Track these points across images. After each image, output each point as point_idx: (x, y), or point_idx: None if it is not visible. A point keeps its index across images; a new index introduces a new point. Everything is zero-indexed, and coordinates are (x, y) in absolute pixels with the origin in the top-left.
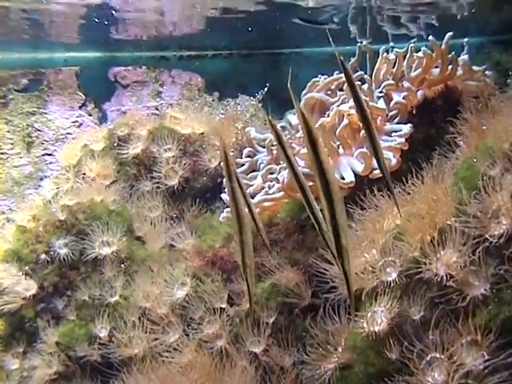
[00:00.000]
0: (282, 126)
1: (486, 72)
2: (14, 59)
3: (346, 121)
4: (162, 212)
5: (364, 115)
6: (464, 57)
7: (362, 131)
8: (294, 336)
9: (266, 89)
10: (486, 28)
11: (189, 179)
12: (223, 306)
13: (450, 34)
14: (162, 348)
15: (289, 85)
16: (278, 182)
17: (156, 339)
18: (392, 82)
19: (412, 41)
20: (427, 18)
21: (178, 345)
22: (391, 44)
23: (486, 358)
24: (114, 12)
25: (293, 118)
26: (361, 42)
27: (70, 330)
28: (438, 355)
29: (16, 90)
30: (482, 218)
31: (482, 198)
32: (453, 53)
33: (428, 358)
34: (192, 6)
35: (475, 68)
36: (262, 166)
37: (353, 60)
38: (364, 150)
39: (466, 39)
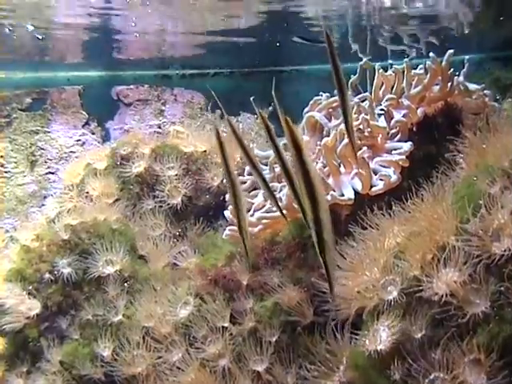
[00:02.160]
0: (283, 144)
1: (485, 91)
2: (18, 78)
3: (346, 140)
4: (164, 230)
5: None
6: (459, 78)
7: (362, 149)
8: (296, 354)
9: (270, 108)
10: (486, 44)
11: (191, 197)
12: (226, 324)
13: (451, 51)
14: (165, 367)
15: (273, 92)
16: (280, 200)
17: (159, 358)
18: (393, 96)
19: (408, 57)
20: (427, 35)
21: (181, 363)
22: (390, 61)
23: (489, 377)
24: (116, 33)
25: None
26: (361, 59)
27: (73, 349)
28: (440, 374)
29: (20, 109)
30: (482, 236)
31: (483, 216)
32: (452, 70)
33: (431, 377)
34: (193, 26)
35: (474, 86)
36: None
37: (353, 78)
38: (360, 170)
39: (466, 57)
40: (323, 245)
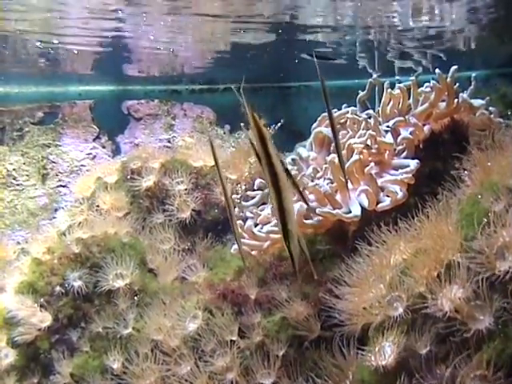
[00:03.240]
0: (292, 159)
1: (490, 108)
2: (30, 93)
3: (356, 156)
4: (173, 244)
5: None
6: (464, 95)
7: (370, 166)
8: (303, 368)
9: (279, 124)
10: (493, 61)
11: (201, 212)
12: (234, 338)
13: (455, 67)
14: (173, 379)
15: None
16: None
17: (168, 370)
18: (402, 118)
19: (416, 74)
20: (434, 52)
21: (189, 376)
22: (397, 77)
23: None
24: (127, 48)
25: (303, 150)
26: (371, 75)
27: (84, 361)
28: None
29: (32, 123)
30: (487, 253)
31: (488, 234)
32: (457, 85)
33: None
34: (203, 41)
35: (479, 102)
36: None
37: (362, 94)
38: (365, 187)
39: (473, 74)
40: (288, 234)
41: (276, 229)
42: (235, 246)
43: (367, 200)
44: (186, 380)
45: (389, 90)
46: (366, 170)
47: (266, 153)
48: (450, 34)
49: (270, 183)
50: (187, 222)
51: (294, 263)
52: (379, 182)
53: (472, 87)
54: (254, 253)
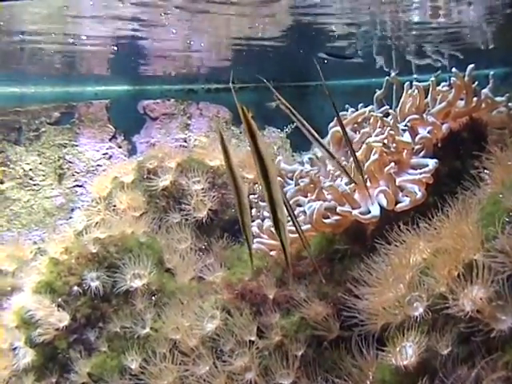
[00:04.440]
0: (309, 158)
1: (510, 104)
2: (47, 93)
3: (375, 156)
4: (190, 244)
5: None
6: (485, 90)
7: (390, 165)
8: (322, 369)
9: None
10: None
11: (217, 211)
12: (252, 338)
13: (472, 65)
14: (192, 379)
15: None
16: (305, 214)
17: (186, 371)
18: (417, 116)
19: (436, 73)
20: (451, 50)
21: (207, 376)
22: (415, 76)
23: None
24: (143, 47)
25: (319, 150)
26: (389, 74)
27: (102, 361)
28: None
29: (48, 123)
30: (508, 253)
31: (509, 233)
32: (476, 83)
33: None
34: (219, 40)
35: (499, 99)
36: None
37: (379, 92)
38: (383, 187)
39: (491, 71)
40: (279, 225)
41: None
42: (253, 246)
43: (386, 200)
44: (205, 380)
45: (409, 91)
46: (385, 169)
47: (255, 147)
48: (468, 32)
49: (260, 175)
50: (204, 221)
51: (286, 253)
52: (398, 181)
53: (490, 85)
54: (272, 253)
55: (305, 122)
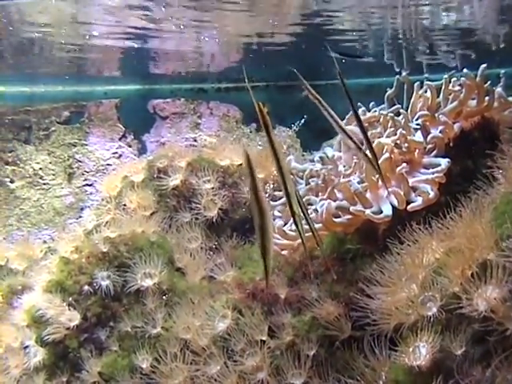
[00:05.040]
0: (320, 157)
1: None
2: (57, 92)
3: (386, 154)
4: (201, 243)
5: None
6: (498, 89)
7: (402, 166)
8: (334, 369)
9: (303, 120)
10: None
11: (228, 211)
12: (264, 338)
13: (484, 65)
14: (203, 379)
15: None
16: (316, 213)
17: (197, 370)
18: (427, 112)
19: (449, 73)
20: (463, 49)
21: (218, 376)
22: (426, 75)
23: None
24: (153, 47)
25: (329, 150)
26: (399, 73)
27: (112, 360)
28: None
29: (58, 122)
30: None
31: None
32: (488, 83)
33: None
34: (229, 38)
35: (511, 99)
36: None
37: (390, 91)
38: (394, 189)
39: (502, 70)
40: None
41: (306, 226)
42: None
43: (397, 200)
44: (216, 380)
45: (420, 91)
46: (397, 169)
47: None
48: (479, 31)
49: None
50: (214, 220)
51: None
52: (410, 181)
53: (502, 83)
54: (284, 252)
55: (333, 113)
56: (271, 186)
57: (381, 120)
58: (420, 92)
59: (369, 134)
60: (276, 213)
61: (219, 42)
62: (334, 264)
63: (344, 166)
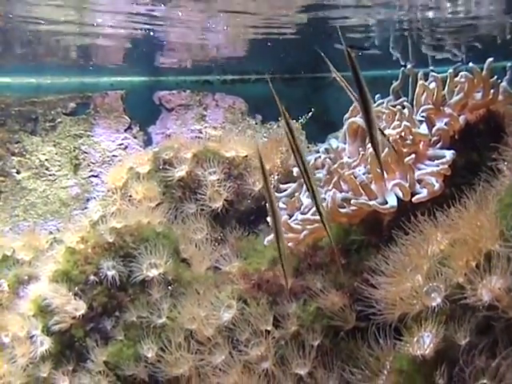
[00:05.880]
0: (325, 149)
1: None
2: (63, 84)
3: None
4: (206, 234)
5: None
6: (503, 83)
7: (408, 157)
8: (339, 359)
9: (310, 113)
10: None
11: (233, 202)
12: (269, 328)
13: (491, 59)
14: (208, 369)
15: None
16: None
17: (202, 360)
18: (431, 106)
19: (455, 66)
20: (469, 42)
21: (223, 365)
22: (431, 68)
23: None
24: (159, 38)
25: (334, 142)
26: (405, 66)
27: (118, 349)
28: (487, 382)
29: (64, 114)
30: None
31: None
32: (495, 77)
33: None
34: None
35: None
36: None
37: (395, 84)
38: (397, 181)
39: (508, 63)
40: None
41: (312, 218)
42: (268, 238)
43: (401, 192)
44: (221, 369)
45: (421, 80)
46: (406, 159)
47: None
48: (485, 24)
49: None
50: (219, 211)
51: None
52: (416, 175)
53: (508, 76)
54: (289, 244)
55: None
56: (276, 177)
57: (386, 112)
58: (422, 82)
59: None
60: (281, 205)
61: (225, 34)
62: (339, 255)
63: (349, 158)
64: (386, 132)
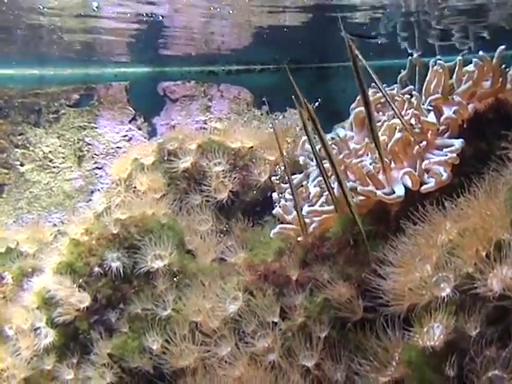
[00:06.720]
0: (331, 138)
1: None
2: (66, 75)
3: (398, 135)
4: (211, 225)
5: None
6: (511, 72)
7: (422, 144)
8: (346, 350)
9: (317, 103)
10: None
11: (238, 193)
12: (275, 319)
13: (503, 47)
14: (213, 360)
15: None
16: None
17: (208, 352)
18: (439, 95)
19: (462, 53)
20: (477, 30)
21: (229, 357)
22: (438, 57)
23: None
24: (163, 29)
25: (341, 131)
26: (411, 55)
27: (123, 342)
28: (499, 372)
29: (68, 105)
30: None
31: None
32: (504, 66)
33: (489, 375)
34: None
35: None
36: (312, 176)
37: (403, 73)
38: (408, 169)
39: None
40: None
41: (319, 209)
42: (274, 230)
43: (410, 181)
44: (226, 361)
45: (434, 68)
46: (414, 149)
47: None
48: (494, 12)
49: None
50: (225, 202)
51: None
52: (424, 164)
53: None
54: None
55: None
56: (282, 167)
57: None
58: (435, 69)
59: (379, 114)
60: (287, 195)
61: (230, 24)
62: (347, 245)
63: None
64: (392, 122)
